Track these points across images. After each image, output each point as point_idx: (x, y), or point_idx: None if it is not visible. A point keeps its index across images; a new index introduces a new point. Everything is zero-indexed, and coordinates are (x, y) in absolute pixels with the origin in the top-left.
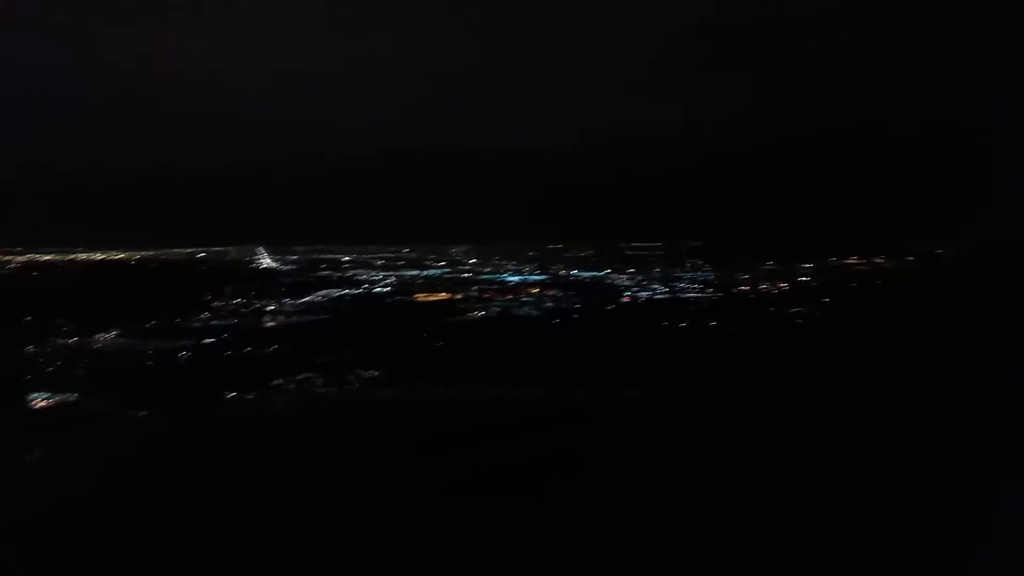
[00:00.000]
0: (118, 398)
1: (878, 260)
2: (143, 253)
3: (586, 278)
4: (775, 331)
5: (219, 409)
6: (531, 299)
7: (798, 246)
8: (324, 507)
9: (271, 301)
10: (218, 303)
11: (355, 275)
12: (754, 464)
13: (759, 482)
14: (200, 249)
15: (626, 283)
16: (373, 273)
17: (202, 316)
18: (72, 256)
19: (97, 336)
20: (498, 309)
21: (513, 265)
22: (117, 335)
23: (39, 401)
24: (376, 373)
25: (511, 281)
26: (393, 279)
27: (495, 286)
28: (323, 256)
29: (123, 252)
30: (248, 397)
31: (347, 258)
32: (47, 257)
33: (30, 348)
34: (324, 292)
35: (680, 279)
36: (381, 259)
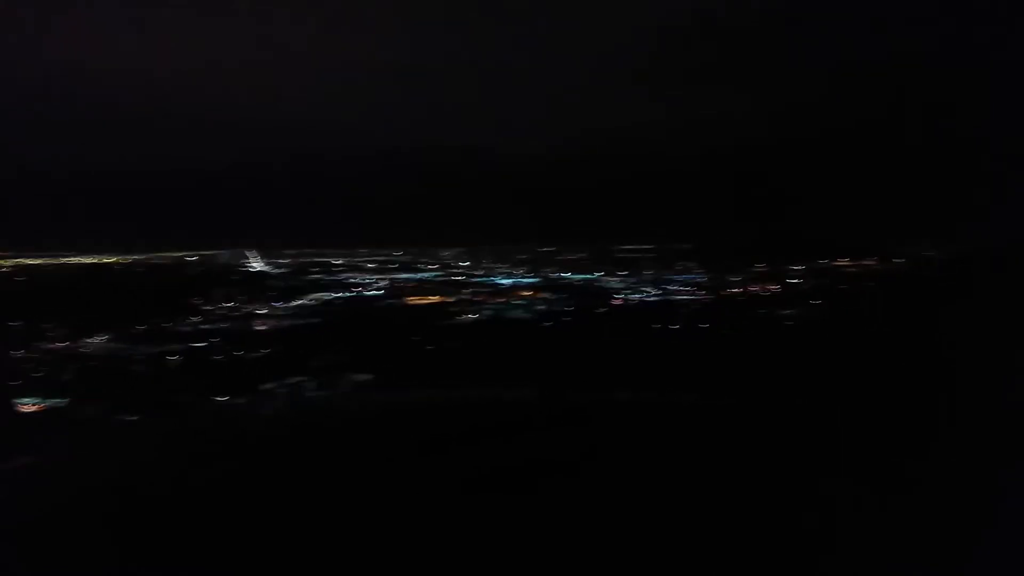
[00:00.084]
0: (107, 403)
1: (868, 262)
2: (132, 257)
3: (578, 281)
4: (766, 332)
5: (209, 413)
6: (523, 302)
7: (788, 248)
8: (316, 511)
9: (262, 304)
10: (208, 307)
11: (347, 278)
12: (750, 464)
13: (755, 481)
14: (190, 252)
15: (617, 285)
16: (365, 276)
17: (192, 320)
18: (60, 260)
19: (86, 340)
20: (490, 312)
21: (505, 268)
22: (106, 339)
23: (27, 406)
24: (368, 376)
25: (503, 284)
26: (385, 282)
27: (487, 289)
28: (314, 259)
29: (112, 256)
30: (239, 401)
31: (339, 261)
32: (35, 261)
33: (18, 352)
34: (315, 295)
35: (671, 281)
36: (373, 262)
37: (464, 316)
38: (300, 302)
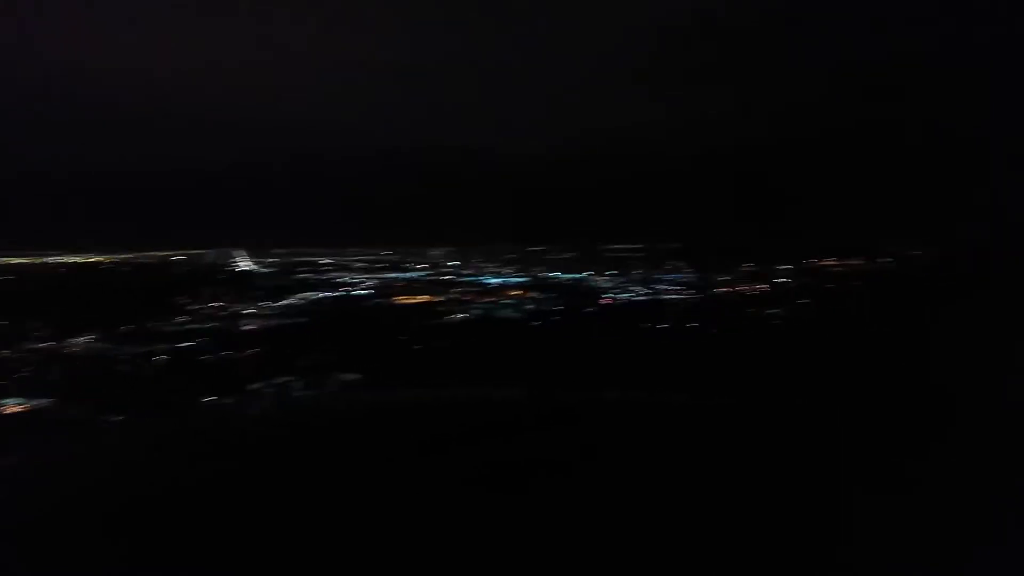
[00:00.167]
0: (93, 403)
1: (854, 261)
2: (118, 256)
3: (567, 280)
4: (754, 332)
5: (196, 414)
6: (512, 301)
7: (776, 248)
8: (304, 511)
9: (249, 304)
10: (195, 306)
11: (335, 278)
12: (741, 463)
13: (747, 481)
14: (176, 252)
15: (606, 285)
16: (353, 276)
17: (179, 320)
18: (45, 259)
19: (71, 340)
20: (479, 311)
21: (494, 267)
22: (91, 339)
23: (11, 407)
24: (356, 376)
25: (492, 283)
26: (373, 281)
27: (476, 288)
28: (302, 259)
29: (97, 255)
30: (226, 401)
31: (327, 260)
32: (20, 260)
33: (2, 352)
34: (303, 295)
35: (660, 281)
36: (361, 261)
37: (453, 315)
38: (288, 301)
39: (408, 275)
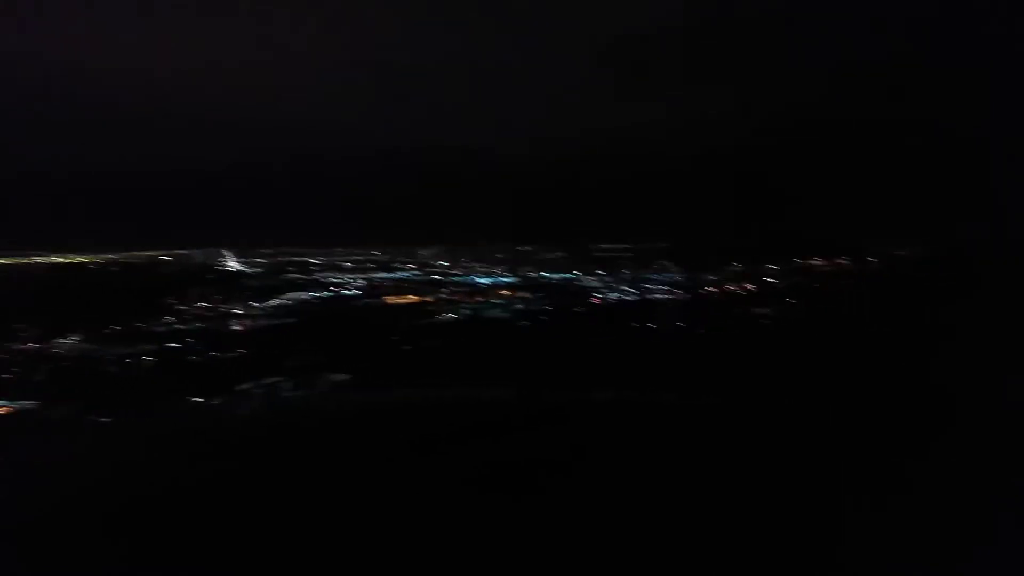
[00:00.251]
0: (79, 404)
1: (840, 261)
2: (104, 256)
3: (556, 280)
4: (742, 331)
5: (184, 414)
6: (501, 301)
7: (764, 248)
8: (293, 511)
9: (237, 304)
10: (183, 306)
11: (324, 278)
12: (732, 462)
13: (738, 480)
14: (164, 252)
15: (595, 285)
16: (342, 276)
17: (166, 320)
18: (29, 259)
19: (56, 341)
20: (468, 311)
21: (483, 267)
22: (77, 340)
23: None
24: (345, 376)
25: (481, 283)
26: (362, 282)
27: (465, 288)
28: (291, 259)
29: (83, 255)
30: (214, 402)
31: (316, 260)
32: (5, 260)
33: None
34: (292, 295)
35: (648, 280)
36: (350, 262)
37: (442, 315)
38: (276, 302)
39: (397, 275)
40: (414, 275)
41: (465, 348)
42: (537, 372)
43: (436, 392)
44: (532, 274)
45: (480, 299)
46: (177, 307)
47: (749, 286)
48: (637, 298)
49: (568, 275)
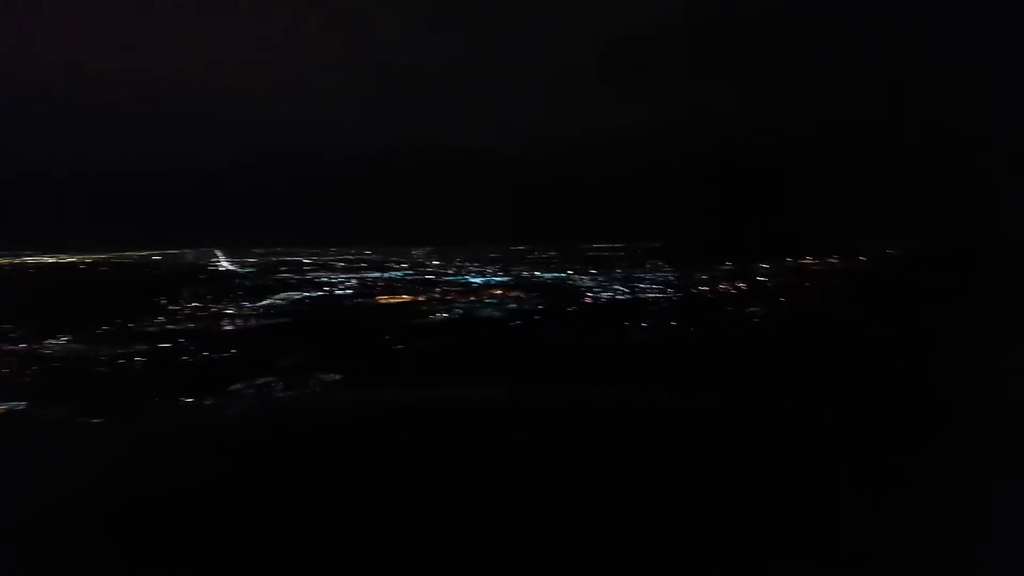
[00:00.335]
0: (70, 405)
1: (831, 260)
2: (95, 256)
3: (548, 279)
4: (734, 330)
5: (176, 415)
6: (494, 301)
7: (755, 247)
8: (286, 512)
9: (229, 304)
10: (174, 307)
11: (316, 277)
12: (725, 462)
13: (734, 480)
14: (155, 252)
15: (588, 284)
16: (335, 275)
17: (158, 320)
18: (19, 259)
19: (47, 342)
20: (461, 311)
21: (476, 267)
22: (68, 340)
23: None
24: (337, 376)
25: (474, 283)
26: (355, 281)
27: (458, 288)
28: (283, 258)
29: (74, 255)
30: (206, 402)
31: (308, 260)
32: None
33: None
34: (284, 295)
35: (641, 280)
36: (343, 261)
37: (435, 315)
38: (268, 301)
39: (390, 275)
40: (407, 275)
41: (458, 348)
42: (530, 371)
43: (429, 392)
44: (525, 273)
45: (473, 298)
46: (169, 307)
47: (741, 285)
48: (629, 297)
49: (561, 274)
